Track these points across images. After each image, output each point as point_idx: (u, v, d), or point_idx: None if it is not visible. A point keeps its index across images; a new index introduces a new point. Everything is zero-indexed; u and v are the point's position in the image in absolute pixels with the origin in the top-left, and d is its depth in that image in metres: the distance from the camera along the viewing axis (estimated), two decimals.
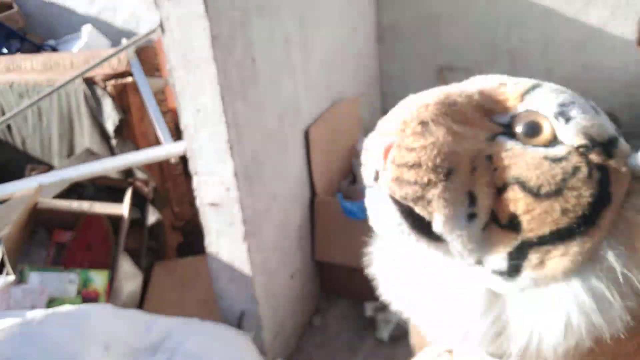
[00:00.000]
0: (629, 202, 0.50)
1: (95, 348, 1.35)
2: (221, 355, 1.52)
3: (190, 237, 1.80)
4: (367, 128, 2.32)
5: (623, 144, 0.52)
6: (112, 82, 2.19)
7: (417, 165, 0.48)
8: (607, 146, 0.49)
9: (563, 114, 0.49)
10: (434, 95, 0.52)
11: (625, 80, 2.91)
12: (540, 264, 0.49)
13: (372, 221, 0.55)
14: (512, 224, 0.49)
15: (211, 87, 1.49)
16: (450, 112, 0.50)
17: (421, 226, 0.50)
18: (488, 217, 0.49)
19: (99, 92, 2.18)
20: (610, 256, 0.48)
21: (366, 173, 0.54)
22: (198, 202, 1.64)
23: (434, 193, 0.48)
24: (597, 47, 2.94)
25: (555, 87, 0.54)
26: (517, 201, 0.48)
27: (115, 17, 3.74)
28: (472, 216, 0.49)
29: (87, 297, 1.65)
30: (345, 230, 2.08)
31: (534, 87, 0.53)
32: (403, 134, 0.49)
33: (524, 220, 0.48)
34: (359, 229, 2.04)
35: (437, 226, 0.49)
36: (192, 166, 1.60)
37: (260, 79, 1.70)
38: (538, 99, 0.51)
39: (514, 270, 0.50)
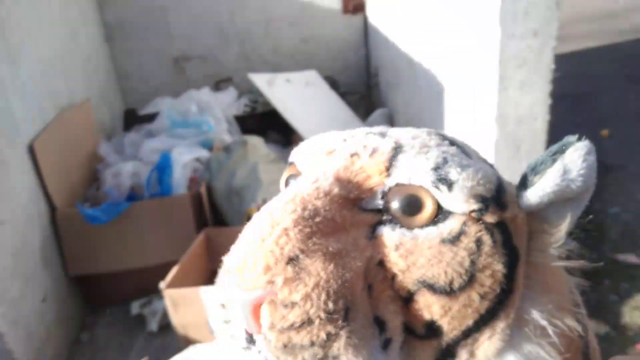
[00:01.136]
0: (532, 245, 0.45)
1: None
2: None
3: None
4: (109, 130, 2.29)
5: (505, 182, 0.45)
6: None
7: (306, 322, 0.37)
8: (498, 198, 0.42)
9: (442, 180, 0.41)
10: (288, 211, 0.40)
11: (339, 46, 3.28)
12: (471, 356, 0.43)
13: None
14: (432, 331, 0.42)
15: None
16: (316, 227, 0.40)
17: None
18: (403, 333, 0.42)
19: None
20: (534, 313, 0.44)
21: (233, 333, 0.43)
22: None
23: (338, 346, 0.38)
24: (310, 20, 3.25)
25: (417, 144, 0.44)
26: (430, 307, 0.41)
27: None
28: (387, 342, 0.41)
29: None
30: (94, 238, 2.05)
31: (395, 154, 0.43)
32: (273, 286, 0.38)
33: (443, 323, 0.41)
34: (106, 233, 2.03)
35: None
36: None
37: None
38: (406, 169, 0.42)
39: None
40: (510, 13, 1.45)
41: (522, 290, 0.44)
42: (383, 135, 0.46)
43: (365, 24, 3.23)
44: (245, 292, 0.39)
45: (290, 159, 0.50)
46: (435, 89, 2.08)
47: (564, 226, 0.44)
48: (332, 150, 0.46)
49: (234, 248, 0.42)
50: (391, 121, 2.75)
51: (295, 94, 2.73)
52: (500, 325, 0.43)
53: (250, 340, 0.41)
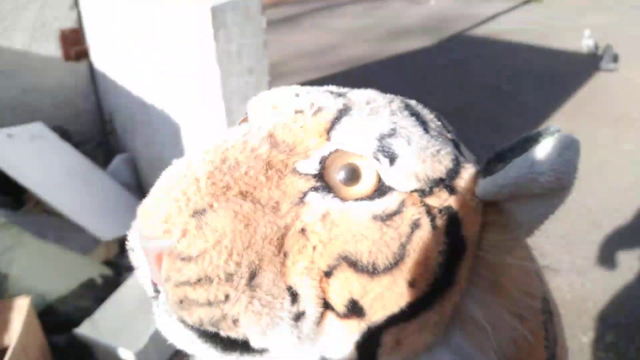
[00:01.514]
0: (486, 239, 0.41)
1: None
2: None
3: None
4: None
5: (464, 165, 0.41)
6: None
7: (203, 280, 0.35)
8: (447, 180, 0.39)
9: (385, 151, 0.37)
10: (205, 160, 0.37)
11: (65, 94, 3.10)
12: (397, 345, 0.39)
13: (169, 339, 0.40)
14: (353, 310, 0.38)
15: None
16: (234, 182, 0.36)
17: (236, 344, 0.37)
18: (320, 308, 0.38)
19: None
20: (478, 313, 0.40)
21: (141, 280, 0.41)
22: None
23: (238, 310, 0.35)
24: (30, 69, 3.00)
25: (368, 108, 0.40)
26: (350, 283, 0.37)
27: None
28: (299, 316, 0.37)
29: None
30: None
31: (340, 116, 0.39)
32: (171, 237, 0.35)
33: (365, 303, 0.38)
34: None
35: (257, 343, 0.37)
36: None
37: None
38: (349, 134, 0.38)
39: None
40: (225, 54, 1.58)
41: (466, 285, 0.40)
42: (339, 95, 0.43)
43: (92, 70, 3.12)
44: (146, 239, 0.36)
45: (247, 108, 0.47)
46: (172, 128, 2.12)
47: (528, 224, 0.40)
48: (279, 104, 0.42)
49: (151, 190, 0.39)
50: (133, 166, 2.70)
51: (21, 150, 2.49)
52: (433, 318, 0.39)
53: (156, 289, 0.39)
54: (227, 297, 0.35)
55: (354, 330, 0.39)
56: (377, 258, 0.37)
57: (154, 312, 0.41)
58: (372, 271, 0.37)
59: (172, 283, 0.36)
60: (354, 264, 0.37)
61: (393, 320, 0.38)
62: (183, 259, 0.35)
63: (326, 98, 0.42)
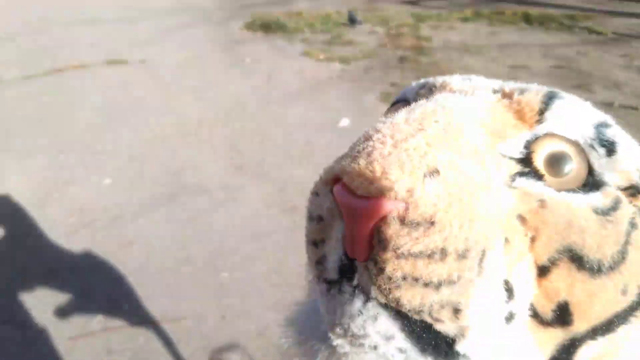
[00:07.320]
0: None
1: None
2: None
3: None
4: None
5: None
6: None
7: (439, 253, 0.28)
8: None
9: (603, 140, 0.34)
10: (431, 120, 0.31)
11: None
12: None
13: (338, 340, 0.32)
14: (560, 316, 0.32)
15: None
16: (457, 144, 0.30)
17: (438, 344, 0.30)
18: (527, 313, 0.32)
19: None
20: None
21: (319, 257, 0.33)
22: None
23: (466, 296, 0.29)
24: None
25: (575, 97, 0.37)
26: (569, 282, 0.31)
27: None
28: (509, 318, 0.31)
29: None
30: None
31: (552, 96, 0.35)
32: (406, 197, 0.28)
33: (575, 309, 0.32)
34: None
35: (468, 345, 0.30)
36: None
37: None
38: (564, 118, 0.34)
39: None
40: None
41: None
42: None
43: None
44: (361, 200, 0.29)
45: (405, 93, 0.43)
46: None
47: None
48: (462, 86, 0.37)
49: (342, 156, 0.32)
50: None
51: None
52: (632, 334, 0.34)
53: (346, 270, 0.31)
54: (459, 278, 0.28)
55: (551, 342, 0.33)
56: (603, 255, 0.31)
57: (328, 302, 0.32)
58: (596, 270, 0.31)
59: (399, 253, 0.28)
60: (578, 259, 0.31)
61: (594, 333, 0.33)
62: (418, 224, 0.28)
63: (523, 83, 0.38)
